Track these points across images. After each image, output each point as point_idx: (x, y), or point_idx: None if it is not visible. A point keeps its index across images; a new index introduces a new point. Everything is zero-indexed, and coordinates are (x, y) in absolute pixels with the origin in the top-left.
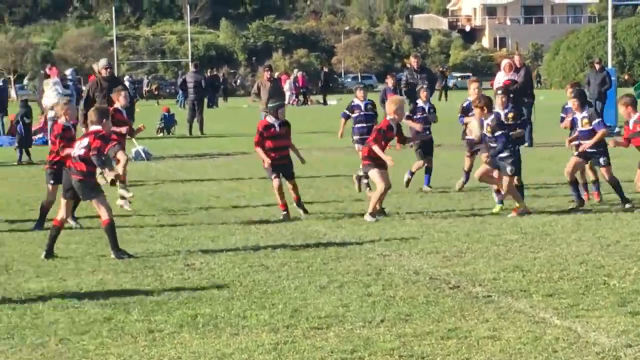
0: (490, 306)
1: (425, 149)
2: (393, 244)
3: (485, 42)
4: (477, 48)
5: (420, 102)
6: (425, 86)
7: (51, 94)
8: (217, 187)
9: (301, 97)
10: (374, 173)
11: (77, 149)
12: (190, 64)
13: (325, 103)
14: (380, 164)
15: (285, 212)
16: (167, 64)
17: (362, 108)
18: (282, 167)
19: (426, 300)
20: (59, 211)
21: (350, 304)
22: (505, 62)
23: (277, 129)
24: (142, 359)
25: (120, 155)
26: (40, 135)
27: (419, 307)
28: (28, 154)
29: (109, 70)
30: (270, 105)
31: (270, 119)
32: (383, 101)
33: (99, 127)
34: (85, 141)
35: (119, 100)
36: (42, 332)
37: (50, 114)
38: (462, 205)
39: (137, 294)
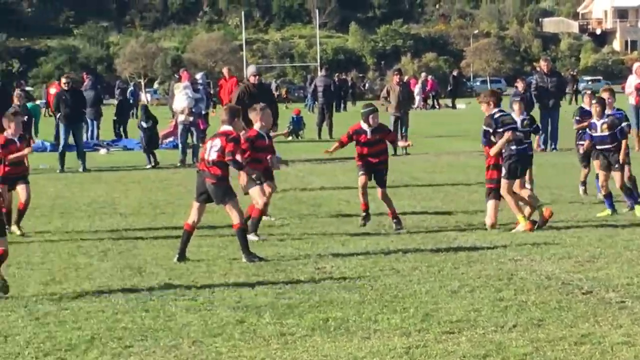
0: (624, 312)
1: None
2: (524, 249)
3: (617, 45)
4: (607, 51)
5: (514, 115)
6: (518, 99)
7: (181, 98)
8: (347, 191)
9: (430, 101)
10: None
11: (211, 152)
12: (319, 68)
13: (454, 107)
14: None
15: (365, 214)
16: (295, 68)
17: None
18: (375, 172)
19: (559, 305)
20: (190, 215)
21: (482, 308)
22: (637, 65)
23: (369, 135)
24: None
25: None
26: (171, 139)
27: (552, 312)
28: (154, 156)
29: (257, 77)
30: (362, 111)
31: (364, 125)
32: (511, 105)
33: (229, 128)
34: (218, 143)
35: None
36: (175, 334)
37: (181, 117)
38: (593, 210)
39: (268, 296)
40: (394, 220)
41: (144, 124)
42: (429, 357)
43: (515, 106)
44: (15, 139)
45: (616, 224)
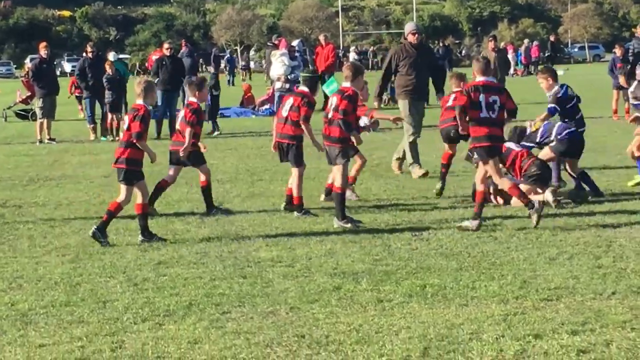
0: None
1: None
2: (623, 216)
3: None
4: None
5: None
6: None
7: (278, 65)
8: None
9: (531, 67)
10: None
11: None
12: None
13: None
14: None
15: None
16: (392, 35)
17: None
18: None
19: None
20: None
21: (580, 275)
22: None
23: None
24: (371, 328)
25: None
26: (267, 106)
27: None
28: (215, 124)
29: (417, 36)
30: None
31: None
32: (612, 70)
33: (348, 85)
34: (335, 101)
35: None
36: (273, 300)
37: (277, 85)
38: None
39: (365, 263)
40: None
41: (214, 91)
42: (527, 324)
43: None
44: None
45: None
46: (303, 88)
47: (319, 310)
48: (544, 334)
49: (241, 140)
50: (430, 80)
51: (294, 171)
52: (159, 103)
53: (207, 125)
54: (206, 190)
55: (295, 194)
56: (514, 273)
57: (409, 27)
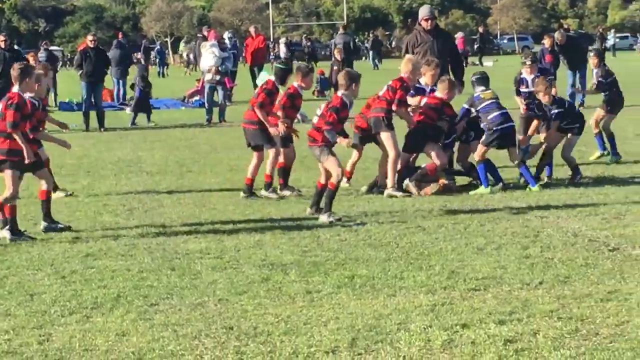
0: None
1: None
2: (551, 206)
3: None
4: (635, 8)
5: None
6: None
7: (208, 57)
8: (372, 150)
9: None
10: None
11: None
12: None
13: (481, 64)
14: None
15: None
16: (322, 26)
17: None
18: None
19: (585, 262)
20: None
21: (507, 265)
22: None
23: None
24: (299, 319)
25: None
26: (197, 98)
27: (578, 269)
28: (148, 118)
29: (430, 22)
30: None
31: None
32: (541, 61)
33: (340, 94)
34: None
35: None
36: (201, 292)
37: (208, 76)
38: (618, 170)
39: (294, 254)
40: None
41: (143, 87)
42: (455, 314)
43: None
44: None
45: None
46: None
47: (247, 302)
48: (472, 324)
49: (171, 132)
50: (450, 68)
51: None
52: (84, 95)
53: (124, 115)
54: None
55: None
56: (441, 263)
57: (422, 12)
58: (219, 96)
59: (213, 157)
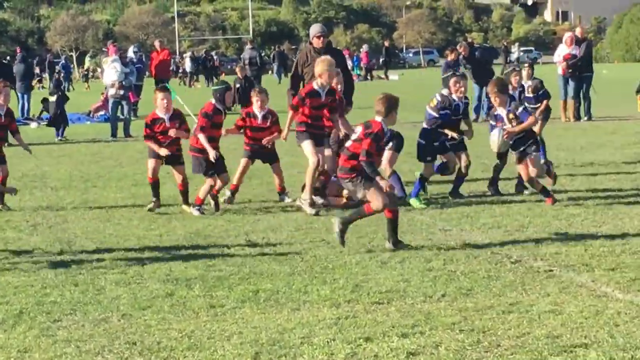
0: (552, 280)
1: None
2: (454, 219)
3: (548, 15)
4: (539, 22)
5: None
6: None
7: (110, 72)
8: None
9: (362, 73)
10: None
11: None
12: (250, 40)
13: (387, 78)
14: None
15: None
16: (228, 41)
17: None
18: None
19: (487, 274)
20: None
21: (411, 278)
22: (567, 36)
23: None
24: (203, 334)
25: None
26: (102, 112)
27: (480, 281)
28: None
29: (322, 39)
30: (214, 88)
31: (219, 105)
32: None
33: (379, 120)
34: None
35: None
36: (105, 307)
37: (111, 91)
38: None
39: (198, 269)
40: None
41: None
42: (358, 328)
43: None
44: None
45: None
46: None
47: (151, 317)
48: (375, 337)
49: (76, 147)
50: None
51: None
52: None
53: (28, 129)
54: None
55: None
56: (346, 277)
57: (313, 29)
58: (123, 111)
59: (118, 172)
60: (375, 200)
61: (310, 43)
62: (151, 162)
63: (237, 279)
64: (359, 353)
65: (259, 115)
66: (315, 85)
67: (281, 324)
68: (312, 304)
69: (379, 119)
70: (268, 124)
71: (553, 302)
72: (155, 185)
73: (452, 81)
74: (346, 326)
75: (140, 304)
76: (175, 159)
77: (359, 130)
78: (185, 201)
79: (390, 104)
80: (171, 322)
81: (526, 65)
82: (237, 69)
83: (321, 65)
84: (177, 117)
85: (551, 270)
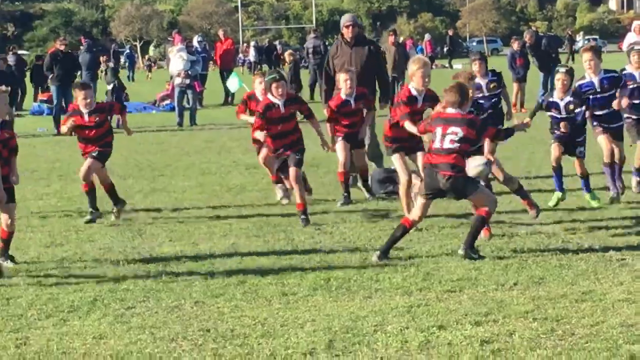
0: (625, 269)
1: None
2: (524, 209)
3: (613, 4)
4: (603, 10)
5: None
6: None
7: (177, 61)
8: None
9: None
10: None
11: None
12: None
13: (451, 67)
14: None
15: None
16: (291, 30)
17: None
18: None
19: (559, 263)
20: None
21: (482, 267)
22: (636, 24)
23: (282, 109)
24: (276, 322)
25: None
26: (168, 101)
27: (552, 270)
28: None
29: (351, 29)
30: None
31: (272, 98)
32: (511, 64)
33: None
34: (458, 131)
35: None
36: (177, 294)
37: (177, 80)
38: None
39: (269, 257)
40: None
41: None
42: (431, 315)
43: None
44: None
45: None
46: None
47: (223, 304)
48: (448, 325)
49: (142, 136)
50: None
51: None
52: (55, 99)
53: None
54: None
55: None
56: (417, 265)
57: (342, 19)
58: (189, 100)
59: (185, 161)
60: (484, 199)
61: (341, 34)
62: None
63: (309, 267)
64: (433, 341)
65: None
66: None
67: (354, 312)
68: (384, 292)
69: (453, 111)
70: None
71: (627, 290)
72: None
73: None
74: (419, 314)
75: (212, 291)
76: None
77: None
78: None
79: (463, 92)
80: (244, 310)
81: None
82: (287, 54)
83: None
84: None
85: (624, 259)
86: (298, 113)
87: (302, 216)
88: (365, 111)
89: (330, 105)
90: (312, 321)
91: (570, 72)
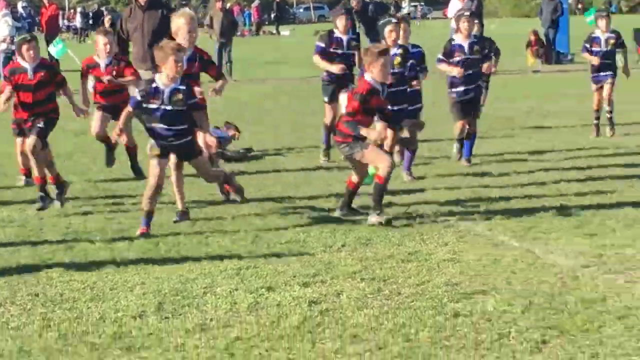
0: (450, 230)
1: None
2: (351, 170)
3: None
4: None
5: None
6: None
7: (2, 26)
8: None
9: (253, 28)
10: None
11: None
12: None
13: (278, 33)
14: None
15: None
16: None
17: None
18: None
19: (386, 226)
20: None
21: (310, 230)
22: None
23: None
24: (105, 285)
25: None
26: None
27: (379, 232)
28: None
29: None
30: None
31: (22, 61)
32: None
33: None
34: None
35: None
36: (5, 260)
37: (2, 46)
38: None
39: (98, 222)
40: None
41: None
42: (260, 277)
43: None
44: None
45: (440, 145)
46: None
47: (52, 269)
48: (276, 287)
49: None
50: None
51: None
52: None
53: None
54: None
55: None
56: (245, 228)
57: None
58: None
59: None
60: (377, 159)
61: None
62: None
63: (138, 232)
64: (262, 302)
65: None
66: None
67: (183, 275)
68: (213, 255)
69: (367, 76)
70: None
71: (451, 250)
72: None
73: None
74: (248, 276)
75: (41, 256)
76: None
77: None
78: None
79: (367, 56)
80: (73, 274)
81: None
82: (106, 20)
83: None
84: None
85: (448, 221)
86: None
87: (40, 193)
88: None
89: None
90: (141, 284)
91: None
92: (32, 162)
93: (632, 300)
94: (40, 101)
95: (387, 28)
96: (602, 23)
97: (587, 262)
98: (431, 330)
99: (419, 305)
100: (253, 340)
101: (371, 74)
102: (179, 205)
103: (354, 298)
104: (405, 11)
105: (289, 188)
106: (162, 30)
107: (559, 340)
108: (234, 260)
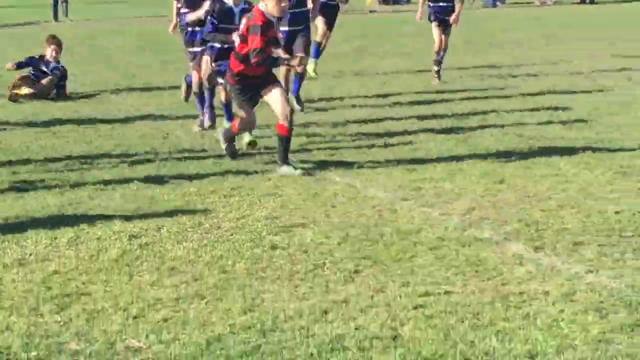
0: (271, 166)
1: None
2: (180, 112)
3: None
4: None
5: None
6: None
7: None
8: None
9: None
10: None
11: None
12: None
13: None
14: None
15: None
16: None
17: None
18: None
19: (212, 162)
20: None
21: (136, 166)
22: None
23: None
24: None
25: None
26: None
27: (205, 167)
28: None
29: None
30: None
31: None
32: None
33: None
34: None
35: None
36: None
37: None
38: None
39: None
40: None
41: None
42: (82, 213)
43: None
44: None
45: None
46: None
47: None
48: (98, 222)
49: None
50: None
51: None
52: None
53: None
54: None
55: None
56: (69, 165)
57: None
58: None
59: None
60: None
61: None
62: None
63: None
64: (82, 236)
65: None
66: None
67: (4, 211)
68: (36, 192)
69: (261, 5)
70: None
71: (274, 185)
72: None
73: None
74: (70, 211)
75: None
76: None
77: (242, 26)
78: None
79: None
80: None
81: None
82: None
83: None
84: None
85: (272, 159)
86: None
87: None
88: None
89: None
90: None
91: None
92: None
93: (445, 232)
94: None
95: None
96: None
97: (406, 195)
98: (248, 262)
99: (237, 238)
100: (71, 274)
101: (266, 7)
102: None
103: (174, 232)
104: None
105: (117, 125)
106: None
107: (371, 270)
108: (57, 197)
